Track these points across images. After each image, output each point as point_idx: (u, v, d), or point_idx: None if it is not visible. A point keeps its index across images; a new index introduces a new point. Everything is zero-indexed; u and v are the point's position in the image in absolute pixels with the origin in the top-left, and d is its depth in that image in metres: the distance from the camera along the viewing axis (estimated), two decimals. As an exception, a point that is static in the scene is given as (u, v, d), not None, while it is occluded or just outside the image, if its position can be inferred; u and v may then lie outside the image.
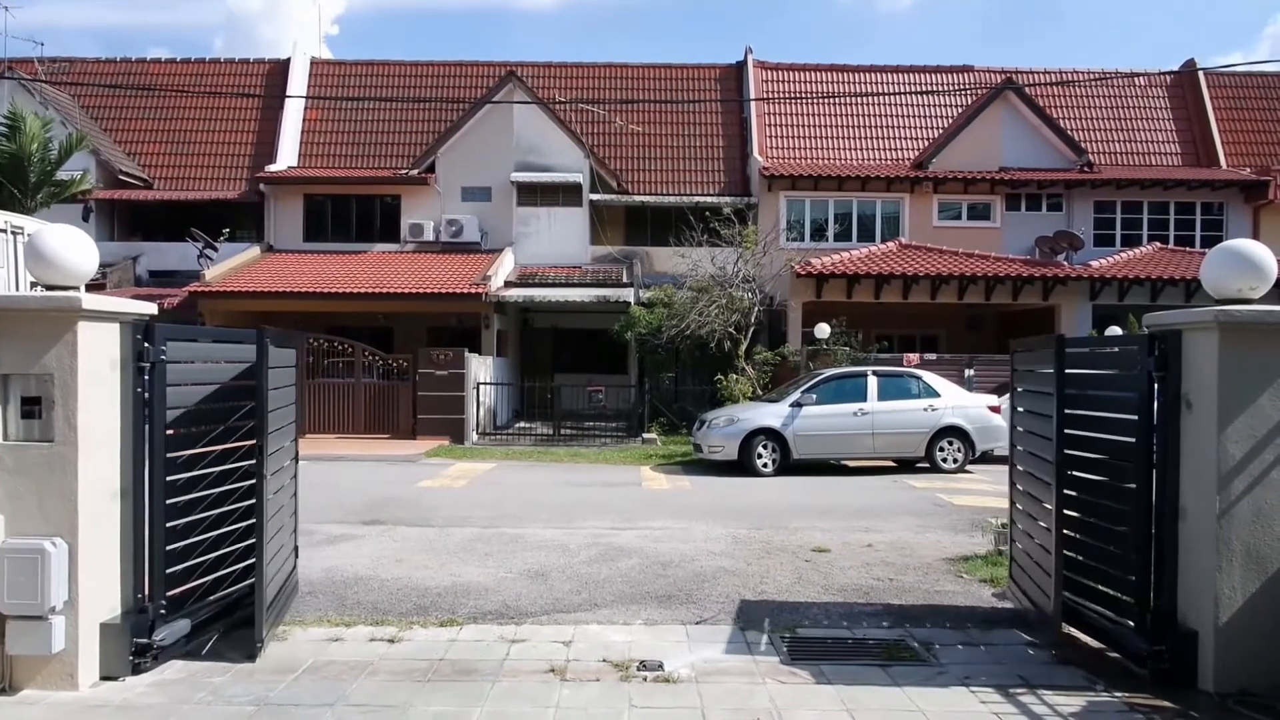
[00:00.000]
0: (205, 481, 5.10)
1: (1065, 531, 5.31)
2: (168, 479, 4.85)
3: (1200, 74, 26.36)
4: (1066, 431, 5.28)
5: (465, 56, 34.09)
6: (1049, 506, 5.31)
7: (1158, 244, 22.88)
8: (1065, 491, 5.27)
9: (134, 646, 4.66)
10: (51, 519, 4.46)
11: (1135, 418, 4.94)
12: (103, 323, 4.64)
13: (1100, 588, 5.24)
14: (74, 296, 4.49)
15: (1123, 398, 5.13)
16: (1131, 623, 4.91)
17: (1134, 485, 4.92)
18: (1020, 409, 6.21)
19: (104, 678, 4.61)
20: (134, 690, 4.53)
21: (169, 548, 4.85)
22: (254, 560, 5.02)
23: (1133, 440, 4.94)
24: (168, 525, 4.84)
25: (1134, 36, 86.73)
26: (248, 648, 5.00)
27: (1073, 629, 5.42)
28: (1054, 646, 5.23)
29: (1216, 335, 4.57)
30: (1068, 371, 5.31)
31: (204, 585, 5.13)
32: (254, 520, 5.05)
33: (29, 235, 5.64)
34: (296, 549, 6.22)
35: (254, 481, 5.10)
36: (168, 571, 4.86)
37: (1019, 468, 6.20)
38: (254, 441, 5.10)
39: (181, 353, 5.04)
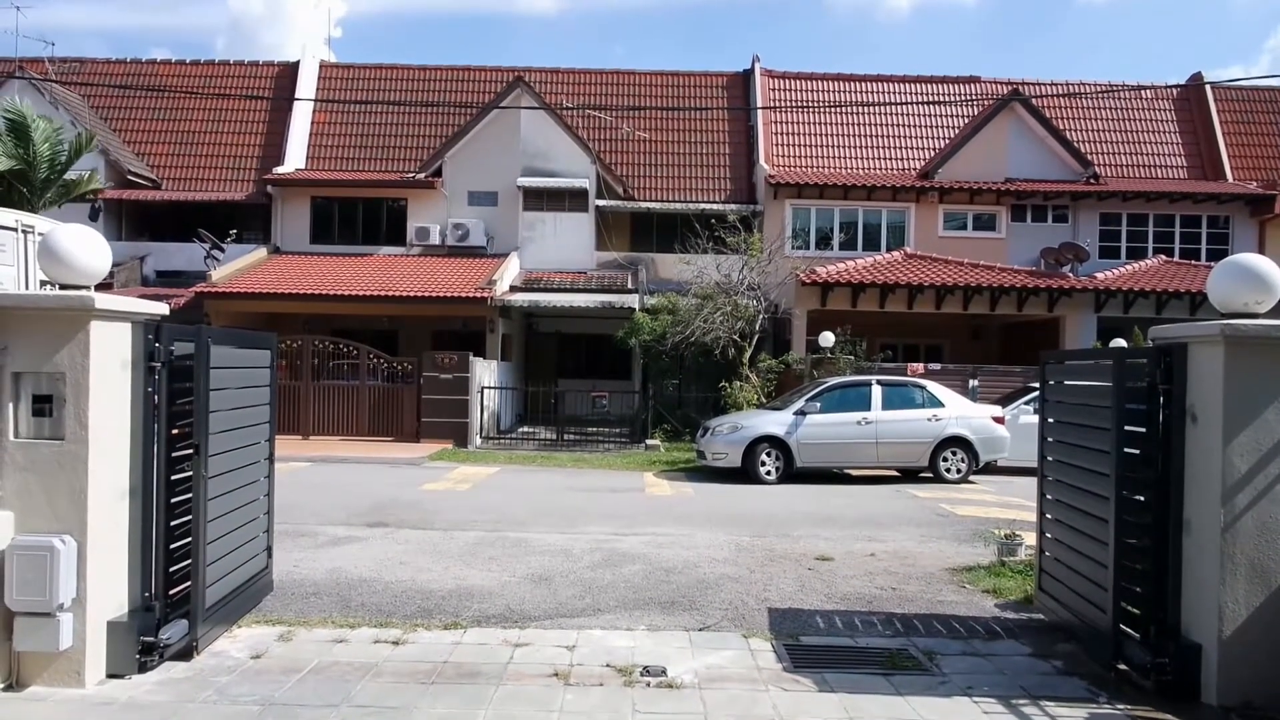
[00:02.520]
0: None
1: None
2: (170, 478, 4.88)
3: (1207, 87, 26.39)
4: (1126, 451, 5.05)
5: (469, 61, 34.17)
6: (1104, 518, 5.09)
7: (1163, 257, 22.87)
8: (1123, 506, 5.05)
9: (141, 645, 4.68)
10: (61, 516, 4.49)
11: (1143, 430, 4.94)
12: (115, 322, 4.67)
13: (1106, 601, 5.22)
14: (87, 296, 4.52)
15: (1131, 410, 5.06)
16: (1138, 635, 4.90)
17: (1141, 498, 4.92)
18: (1053, 420, 6.18)
19: (110, 675, 4.63)
20: (140, 688, 4.55)
21: (172, 546, 4.88)
22: (191, 562, 4.98)
23: (1137, 452, 4.94)
24: (170, 524, 4.87)
25: (1135, 49, 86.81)
26: (187, 649, 4.94)
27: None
28: (1111, 660, 5.01)
29: (1222, 349, 4.59)
30: (1129, 385, 5.09)
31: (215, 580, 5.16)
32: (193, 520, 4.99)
33: (42, 234, 5.67)
34: (270, 549, 6.20)
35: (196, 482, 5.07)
36: (171, 570, 4.89)
37: (1051, 478, 6.15)
38: (195, 442, 5.03)
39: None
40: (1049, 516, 6.20)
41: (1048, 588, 6.15)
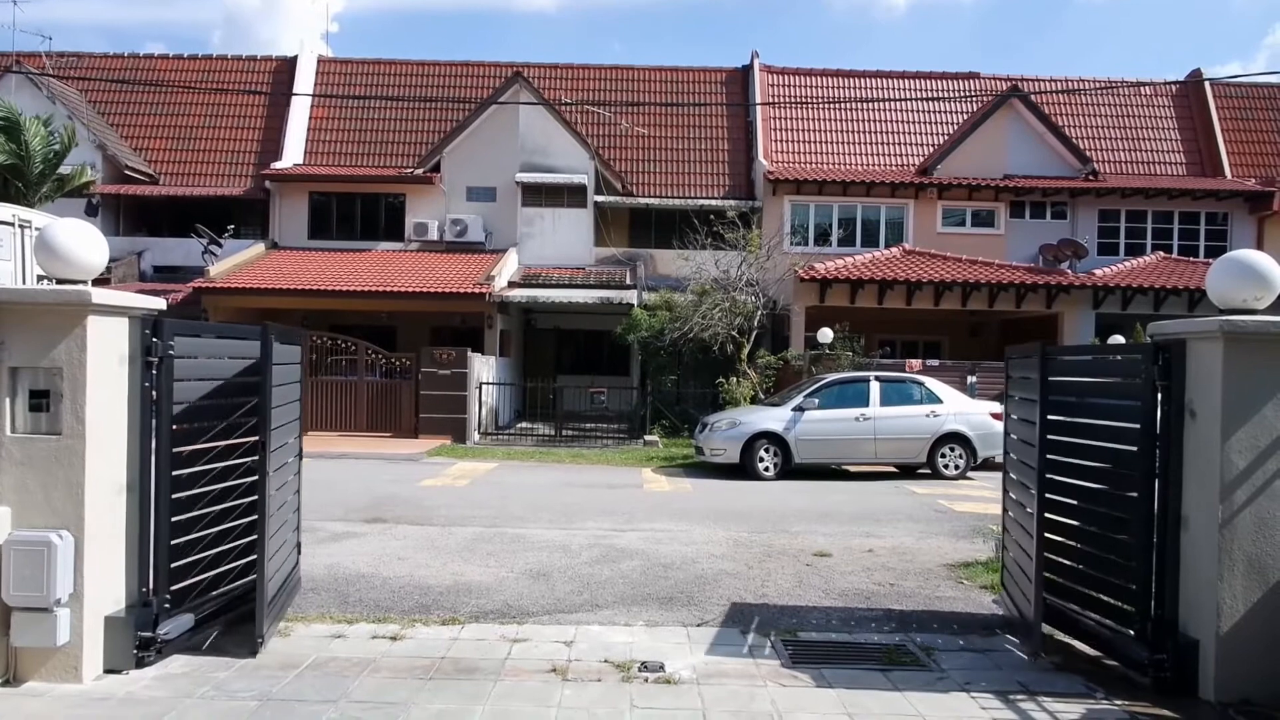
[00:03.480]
0: (208, 477, 5.12)
1: (1052, 536, 5.36)
2: (173, 474, 4.87)
3: (1206, 84, 26.39)
4: (1050, 438, 5.30)
5: (465, 56, 34.22)
6: (1031, 511, 5.32)
7: (1161, 253, 22.89)
8: (1047, 497, 5.28)
9: (138, 640, 4.67)
10: (58, 511, 4.48)
11: (1137, 426, 4.94)
12: (112, 317, 4.66)
13: (1100, 596, 5.25)
14: (84, 291, 4.51)
15: (1125, 406, 5.11)
16: (1132, 631, 4.91)
17: (1136, 494, 4.93)
18: (1013, 416, 6.22)
19: (108, 671, 4.63)
20: (138, 684, 4.55)
21: (173, 542, 4.87)
22: (255, 557, 5.04)
23: (1135, 448, 4.94)
24: (172, 520, 4.86)
25: (1134, 47, 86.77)
26: (250, 643, 5.01)
27: (1069, 637, 5.43)
28: (1036, 653, 5.19)
29: (1221, 345, 4.58)
30: (1056, 379, 5.38)
31: (206, 580, 5.15)
32: (256, 517, 5.08)
33: (39, 229, 5.66)
34: (299, 546, 6.24)
35: (256, 478, 5.13)
36: (171, 566, 4.88)
37: (1011, 475, 6.19)
38: (256, 438, 5.12)
39: (186, 348, 5.05)
40: (1009, 514, 6.18)
41: (1005, 583, 6.21)
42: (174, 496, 4.88)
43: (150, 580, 4.79)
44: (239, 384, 5.36)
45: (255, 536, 5.08)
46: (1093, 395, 5.57)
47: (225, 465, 5.24)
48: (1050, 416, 5.32)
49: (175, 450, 4.91)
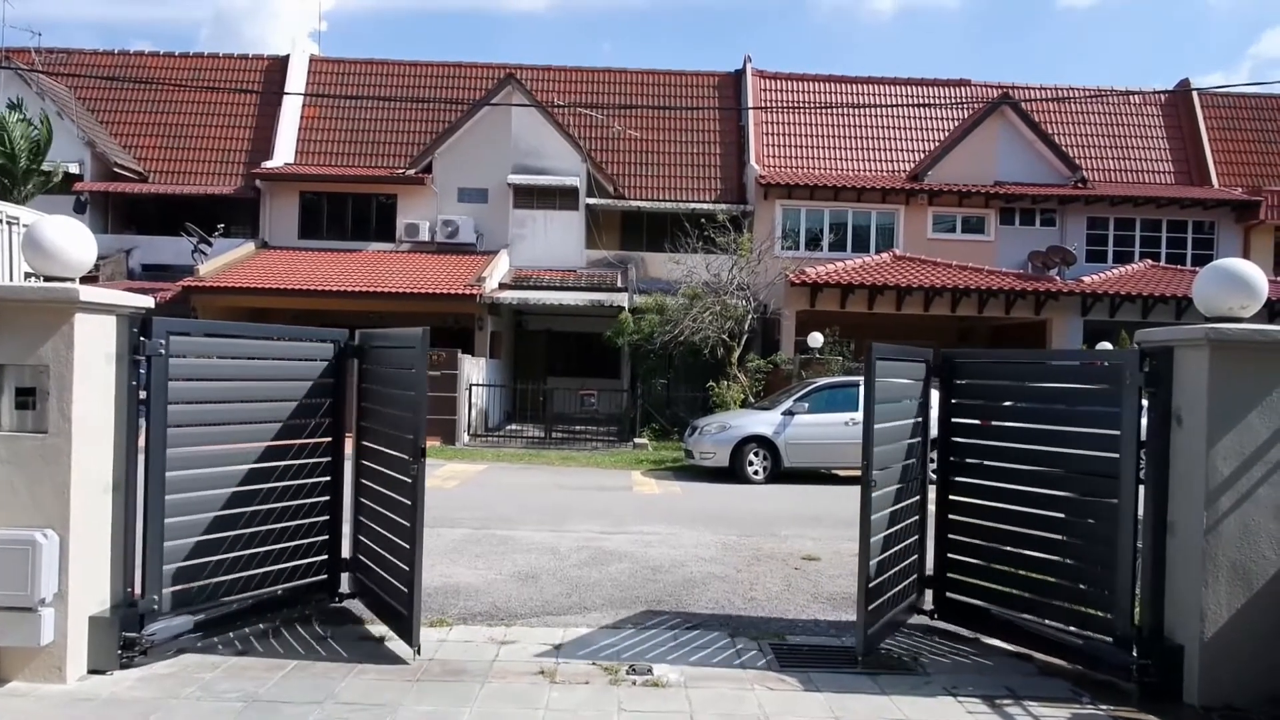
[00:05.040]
0: (218, 479, 5.13)
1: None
2: (167, 474, 4.83)
3: (1194, 94, 26.61)
4: (1026, 447, 5.58)
5: (454, 56, 34.16)
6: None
7: (1149, 261, 23.04)
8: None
9: (122, 640, 4.64)
10: (43, 510, 4.45)
11: (1118, 433, 4.92)
12: (100, 315, 4.63)
13: (1068, 606, 5.21)
14: (72, 288, 4.48)
15: (1109, 413, 5.03)
16: (1109, 639, 4.90)
17: (1116, 500, 4.92)
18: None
19: (92, 671, 4.59)
20: (122, 684, 4.52)
21: (168, 544, 4.84)
22: (402, 559, 5.10)
23: (1117, 456, 4.93)
24: (167, 521, 4.82)
25: (1119, 56, 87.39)
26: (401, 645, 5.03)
27: (1039, 653, 5.36)
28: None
29: (1207, 352, 4.62)
30: (1038, 386, 5.69)
31: (219, 584, 5.11)
32: (409, 524, 5.02)
33: (26, 226, 5.63)
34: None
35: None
36: (167, 568, 4.84)
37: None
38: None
39: (192, 347, 5.14)
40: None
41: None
42: (170, 498, 4.84)
43: (137, 581, 4.76)
44: (320, 385, 5.63)
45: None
46: (1077, 402, 5.49)
47: (250, 468, 5.24)
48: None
49: (176, 451, 4.89)
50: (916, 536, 6.01)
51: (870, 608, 5.19)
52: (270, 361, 5.65)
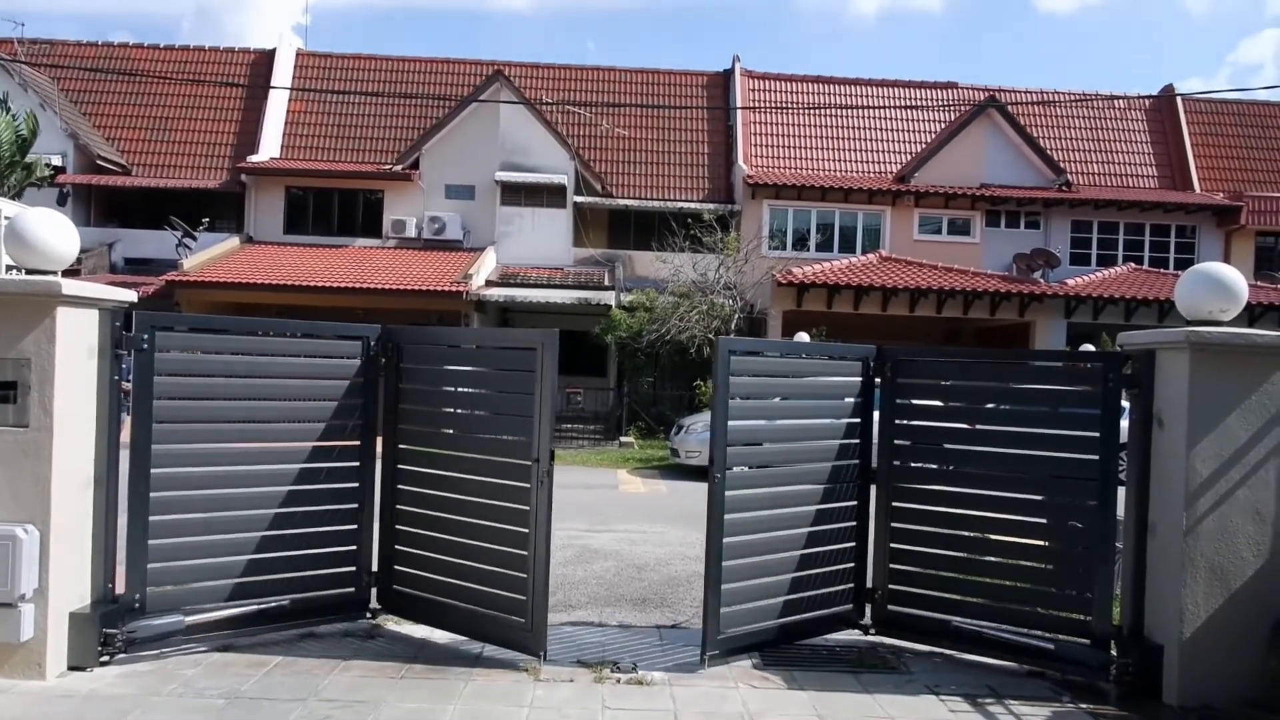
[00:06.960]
0: (210, 478, 5.08)
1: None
2: (153, 471, 4.78)
3: (1178, 99, 26.86)
4: (1004, 451, 5.42)
5: (437, 52, 34.05)
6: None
7: (1132, 264, 23.24)
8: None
9: (103, 637, 4.60)
10: (24, 505, 4.41)
11: (1097, 434, 4.95)
12: (82, 309, 4.59)
13: (1039, 610, 5.19)
14: (54, 281, 4.44)
15: (1088, 415, 5.03)
16: (1087, 640, 4.91)
17: (1095, 502, 4.96)
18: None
19: (72, 668, 4.55)
20: (102, 681, 4.48)
21: (153, 542, 4.79)
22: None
23: (1096, 458, 4.96)
24: (152, 518, 4.77)
25: (1104, 61, 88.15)
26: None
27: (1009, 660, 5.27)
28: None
29: (1188, 355, 4.67)
30: (1017, 387, 5.64)
31: (216, 586, 5.03)
32: (526, 531, 4.96)
33: (8, 218, 5.58)
34: None
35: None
36: (152, 566, 4.79)
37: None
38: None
39: (181, 342, 5.09)
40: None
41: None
42: (156, 495, 4.79)
43: (118, 577, 4.72)
44: (352, 385, 5.48)
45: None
46: (1056, 404, 5.42)
47: (251, 469, 5.18)
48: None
49: (170, 449, 4.86)
50: (849, 544, 5.61)
51: (726, 611, 5.03)
52: (274, 358, 5.47)
